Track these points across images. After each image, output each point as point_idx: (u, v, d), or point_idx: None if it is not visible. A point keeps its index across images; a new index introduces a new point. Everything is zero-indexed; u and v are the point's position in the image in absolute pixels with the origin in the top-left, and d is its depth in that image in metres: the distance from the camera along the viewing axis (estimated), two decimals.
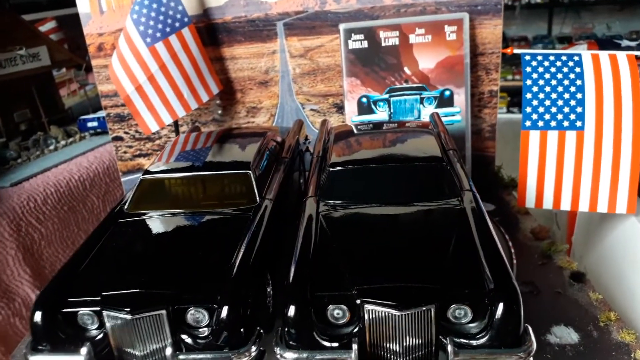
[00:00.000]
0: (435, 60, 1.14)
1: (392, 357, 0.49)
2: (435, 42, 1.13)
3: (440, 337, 0.49)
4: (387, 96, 1.15)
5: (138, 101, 1.07)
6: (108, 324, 0.51)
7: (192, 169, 0.73)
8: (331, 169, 0.69)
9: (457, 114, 1.15)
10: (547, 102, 0.97)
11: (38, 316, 0.52)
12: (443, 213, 0.60)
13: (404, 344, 0.48)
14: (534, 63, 0.98)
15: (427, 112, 1.15)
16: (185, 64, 1.09)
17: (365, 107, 1.16)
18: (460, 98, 1.15)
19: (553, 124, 0.97)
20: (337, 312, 0.49)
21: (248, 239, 0.60)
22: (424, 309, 0.47)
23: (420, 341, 0.48)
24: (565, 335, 0.74)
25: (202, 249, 0.60)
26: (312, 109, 1.22)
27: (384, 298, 0.48)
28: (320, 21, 1.16)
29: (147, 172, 0.74)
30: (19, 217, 1.92)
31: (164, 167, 0.74)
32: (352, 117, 1.16)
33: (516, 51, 1.00)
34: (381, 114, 1.16)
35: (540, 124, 0.98)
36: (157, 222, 0.65)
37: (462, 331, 0.49)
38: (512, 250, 0.83)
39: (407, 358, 0.49)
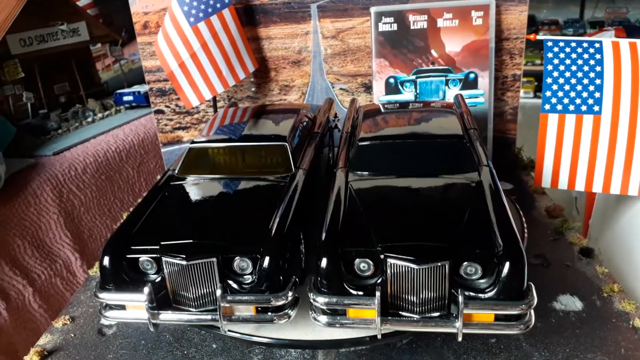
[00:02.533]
0: (461, 44, 1.19)
1: (410, 306, 0.56)
2: (462, 27, 1.18)
3: (453, 290, 0.56)
4: (414, 77, 1.21)
5: (181, 77, 1.15)
6: (166, 270, 0.60)
7: (234, 140, 0.80)
8: (360, 143, 0.76)
9: (480, 96, 1.21)
10: (567, 87, 1.02)
11: (106, 261, 0.61)
12: (461, 184, 0.67)
13: (421, 295, 0.56)
14: (555, 49, 1.03)
15: (451, 93, 1.21)
16: (225, 43, 1.16)
17: (392, 88, 1.22)
18: (484, 81, 1.20)
19: (571, 107, 1.02)
20: (363, 265, 0.57)
21: (285, 202, 0.68)
22: (439, 264, 0.54)
23: (434, 294, 0.55)
24: (570, 303, 0.81)
25: (245, 208, 0.68)
26: (341, 88, 1.29)
27: (404, 254, 0.55)
28: (352, 4, 1.22)
29: (194, 141, 0.81)
30: (61, 184, 2.04)
31: (208, 138, 0.82)
32: (379, 96, 1.23)
33: (539, 37, 1.05)
34: (408, 95, 1.22)
35: (559, 107, 1.03)
36: (204, 185, 0.73)
37: (472, 286, 0.56)
38: (524, 224, 0.89)
39: (423, 307, 0.56)
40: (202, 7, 1.12)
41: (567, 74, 1.02)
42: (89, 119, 2.47)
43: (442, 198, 0.66)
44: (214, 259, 0.59)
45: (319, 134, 0.89)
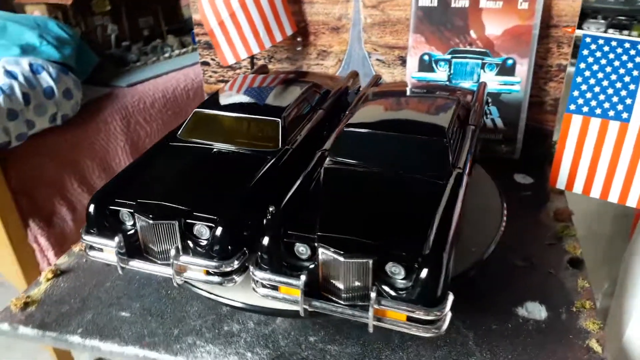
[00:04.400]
0: (502, 27, 1.14)
1: (337, 293, 0.61)
2: (506, 9, 1.13)
3: (377, 283, 0.59)
4: (449, 57, 1.18)
5: (220, 35, 1.21)
6: (138, 224, 0.68)
7: (236, 109, 0.85)
8: (345, 129, 0.79)
9: (516, 84, 1.16)
10: (597, 89, 0.97)
11: (91, 208, 0.70)
12: (422, 185, 0.68)
13: (346, 284, 0.60)
14: (593, 46, 0.97)
15: (486, 77, 1.17)
16: (264, 5, 1.20)
17: (426, 65, 1.20)
18: (523, 69, 1.15)
19: (598, 111, 0.97)
20: (302, 249, 0.62)
21: (257, 176, 0.73)
22: (363, 260, 0.58)
23: (358, 284, 0.59)
24: (535, 311, 0.81)
25: (221, 177, 0.74)
26: (377, 59, 1.29)
27: (334, 246, 0.59)
28: None
29: (200, 106, 0.88)
30: (129, 114, 2.21)
31: (215, 104, 0.88)
32: (412, 72, 1.22)
33: (578, 32, 0.99)
34: (441, 74, 1.20)
35: (585, 109, 0.98)
36: (195, 150, 0.80)
37: (394, 285, 0.59)
38: (504, 215, 0.88)
39: (348, 296, 0.60)
40: None
41: (600, 75, 0.96)
42: (167, 55, 2.61)
43: (396, 196, 0.68)
44: (176, 222, 0.66)
45: (322, 109, 0.92)
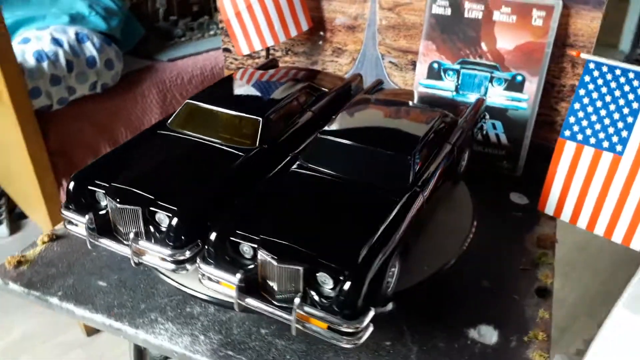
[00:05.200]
0: (514, 42, 1.12)
1: (272, 293, 0.65)
2: (519, 24, 1.10)
3: (308, 289, 0.63)
4: (458, 67, 1.18)
5: (236, 25, 1.25)
6: (109, 205, 0.74)
7: (225, 104, 0.89)
8: (319, 135, 0.81)
9: (523, 102, 1.14)
10: (593, 117, 0.94)
11: (71, 186, 0.76)
12: (375, 200, 0.70)
13: (279, 287, 0.64)
14: (595, 73, 0.94)
15: (494, 92, 1.16)
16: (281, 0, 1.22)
17: (435, 73, 1.20)
18: (532, 86, 1.13)
19: (592, 140, 0.95)
20: (246, 249, 0.66)
21: (228, 170, 0.77)
22: (295, 267, 0.61)
23: (291, 288, 0.63)
24: (487, 335, 0.82)
25: (191, 170, 0.78)
26: (390, 62, 1.29)
27: (269, 250, 0.63)
28: None
29: (193, 97, 0.92)
30: (166, 89, 2.30)
31: (206, 97, 0.92)
32: (420, 79, 1.22)
33: (583, 56, 0.96)
34: (448, 83, 1.19)
35: (579, 137, 0.96)
36: (177, 141, 0.84)
37: (323, 293, 0.62)
38: (470, 235, 0.89)
39: (281, 297, 0.64)
40: None
41: (599, 103, 0.93)
42: (212, 32, 2.67)
43: (346, 208, 0.70)
44: (139, 209, 0.71)
45: (309, 111, 0.95)
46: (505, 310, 0.86)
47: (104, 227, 0.77)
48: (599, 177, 0.95)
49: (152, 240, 0.73)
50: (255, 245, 0.65)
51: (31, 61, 1.86)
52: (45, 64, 1.88)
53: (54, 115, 2.02)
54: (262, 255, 0.64)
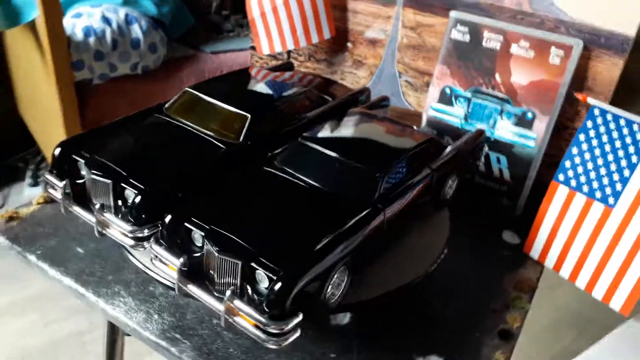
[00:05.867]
0: (529, 78, 1.10)
1: (213, 282, 0.66)
2: (536, 61, 1.08)
3: (245, 284, 0.64)
4: (469, 95, 1.16)
5: (260, 25, 1.28)
6: (86, 175, 0.77)
7: (221, 97, 0.91)
8: (299, 139, 0.83)
9: (531, 140, 1.12)
10: (590, 165, 0.91)
11: (56, 152, 0.80)
12: (335, 209, 0.71)
13: (220, 278, 0.65)
14: (599, 120, 0.91)
15: (502, 125, 1.14)
16: (306, 5, 1.24)
17: (446, 98, 1.19)
18: (541, 125, 1.10)
19: (585, 188, 0.92)
20: (197, 236, 0.67)
21: (202, 159, 0.80)
22: (234, 260, 0.63)
23: (230, 280, 0.64)
24: None
25: (173, 153, 0.81)
26: (407, 81, 1.29)
27: (213, 241, 0.64)
28: (438, 2, 1.18)
29: (193, 86, 0.96)
30: (203, 79, 2.36)
31: (206, 87, 0.95)
32: (432, 102, 1.21)
33: (589, 100, 0.93)
34: (458, 110, 1.18)
35: (573, 183, 0.93)
36: (169, 126, 0.87)
37: (258, 290, 0.63)
38: (441, 257, 0.88)
39: (221, 288, 0.66)
40: None
41: (597, 151, 0.90)
42: None
43: (304, 213, 0.71)
44: (110, 183, 0.75)
45: (306, 119, 0.96)
46: (461, 345, 0.84)
47: (81, 196, 0.81)
48: (587, 228, 0.91)
49: (119, 215, 0.76)
50: (204, 234, 0.67)
51: (79, 35, 1.96)
52: (91, 39, 1.98)
53: (94, 88, 2.11)
54: (207, 244, 0.66)
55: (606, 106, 0.91)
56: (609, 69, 1.05)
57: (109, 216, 0.76)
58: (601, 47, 1.04)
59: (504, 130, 1.14)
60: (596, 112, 0.91)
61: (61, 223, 0.99)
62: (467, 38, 1.14)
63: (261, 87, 1.02)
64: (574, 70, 1.06)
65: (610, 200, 0.89)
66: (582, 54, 1.05)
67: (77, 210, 0.80)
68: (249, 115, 0.88)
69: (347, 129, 0.90)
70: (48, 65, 1.89)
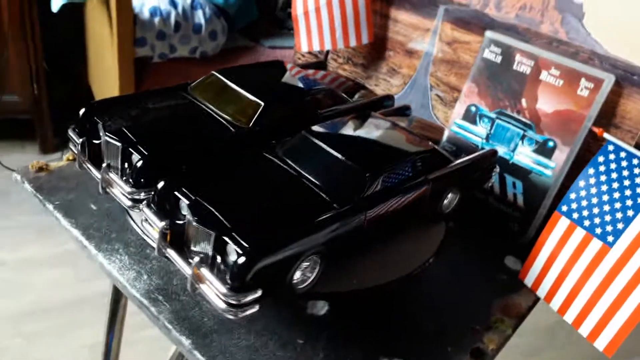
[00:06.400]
0: (555, 106, 1.08)
1: (189, 248, 0.71)
2: (564, 90, 1.06)
3: (216, 254, 0.68)
4: (494, 115, 1.16)
5: (302, 23, 1.32)
6: (101, 137, 0.84)
7: (243, 83, 0.96)
8: (303, 132, 0.86)
9: (549, 169, 1.10)
10: (594, 200, 0.89)
11: (81, 112, 0.88)
12: (319, 201, 0.74)
13: (195, 246, 0.70)
14: (611, 156, 0.89)
15: (522, 150, 1.13)
16: (348, 9, 1.28)
17: (470, 116, 1.19)
18: (561, 156, 1.08)
19: (586, 223, 0.90)
20: (183, 205, 0.72)
21: (207, 136, 0.85)
22: (208, 231, 0.67)
23: (204, 249, 0.68)
24: None
25: (184, 128, 0.86)
26: (437, 95, 1.29)
27: (194, 210, 0.69)
28: (476, 20, 1.18)
29: (220, 70, 1.01)
30: None
31: (231, 73, 1.00)
32: (456, 118, 1.21)
33: (605, 135, 0.91)
34: (481, 130, 1.18)
35: (575, 215, 0.91)
36: (189, 104, 0.93)
37: (226, 261, 0.67)
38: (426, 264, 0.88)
39: (194, 255, 0.70)
40: None
41: (604, 187, 0.88)
42: None
43: (288, 201, 0.74)
44: (120, 146, 0.81)
45: (315, 116, 0.99)
46: (430, 355, 0.85)
47: (97, 155, 0.88)
48: (583, 263, 0.89)
49: (123, 177, 0.82)
50: (188, 203, 0.71)
51: (146, 14, 2.08)
52: (156, 19, 2.09)
53: (153, 66, 2.23)
54: (187, 212, 0.70)
55: (622, 143, 0.89)
56: (639, 109, 1.02)
57: (113, 176, 0.82)
58: (634, 85, 1.01)
59: (523, 155, 1.12)
60: (610, 147, 0.89)
61: (83, 180, 1.07)
62: (499, 59, 1.14)
63: (285, 80, 1.06)
64: (602, 104, 1.03)
65: (609, 238, 0.86)
66: (613, 90, 1.03)
67: (89, 167, 0.87)
68: (262, 103, 0.92)
69: (353, 129, 0.93)
70: (113, 39, 2.02)
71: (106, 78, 2.30)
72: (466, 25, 1.20)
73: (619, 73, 1.02)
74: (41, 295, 2.25)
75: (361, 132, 0.93)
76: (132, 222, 0.88)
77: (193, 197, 0.72)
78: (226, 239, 0.67)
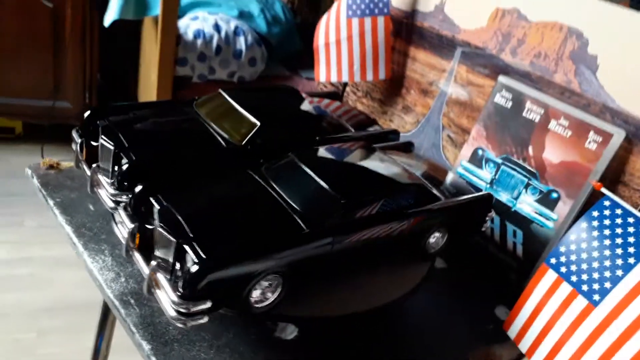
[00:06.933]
0: (561, 157, 1.05)
1: (154, 253, 0.73)
2: (572, 141, 1.03)
3: (177, 260, 0.69)
4: (500, 161, 1.13)
5: (322, 54, 1.35)
6: (99, 138, 0.88)
7: (246, 104, 0.98)
8: (291, 154, 0.87)
9: (551, 221, 1.06)
10: (584, 255, 0.85)
11: (86, 114, 0.92)
12: (289, 222, 0.74)
13: (159, 251, 0.71)
14: (606, 212, 0.86)
15: (525, 199, 1.09)
16: (367, 44, 1.30)
17: (477, 159, 1.17)
18: (564, 208, 1.04)
19: (573, 278, 0.85)
20: (155, 211, 0.74)
21: (200, 152, 0.87)
22: (170, 237, 0.68)
23: (166, 255, 0.70)
24: None
25: (181, 141, 0.90)
26: (448, 135, 1.28)
27: (160, 215, 0.71)
28: (491, 64, 1.17)
29: (228, 88, 1.04)
30: None
31: (237, 93, 1.03)
32: (463, 160, 1.19)
33: (603, 190, 0.88)
34: (486, 174, 1.15)
35: (563, 269, 0.87)
36: (190, 118, 0.96)
37: (184, 269, 0.68)
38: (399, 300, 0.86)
39: (157, 260, 0.72)
40: (362, 6, 1.27)
41: (595, 243, 0.85)
42: None
43: (259, 219, 0.74)
44: (112, 149, 0.85)
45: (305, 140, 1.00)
46: None
47: (95, 157, 0.92)
48: (566, 320, 0.85)
49: (110, 179, 0.85)
50: (159, 209, 0.73)
51: (190, 35, 2.18)
52: (199, 42, 2.19)
53: (192, 85, 2.32)
54: (155, 217, 0.72)
55: (619, 200, 0.85)
56: None
57: (101, 177, 0.85)
58: None
59: (526, 204, 1.09)
60: (606, 203, 0.86)
61: (86, 182, 1.11)
62: (509, 104, 1.12)
63: (290, 105, 1.08)
64: (610, 159, 1.00)
65: (595, 297, 0.82)
66: (624, 146, 0.99)
67: (84, 167, 0.91)
68: (258, 123, 0.94)
69: (345, 158, 0.93)
70: (157, 56, 2.12)
71: (148, 93, 2.41)
72: (481, 69, 1.20)
73: (631, 129, 0.99)
74: (61, 294, 2.32)
75: (351, 162, 0.93)
76: (114, 224, 0.91)
77: (165, 204, 0.74)
78: (186, 247, 0.68)
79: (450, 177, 1.06)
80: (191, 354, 0.80)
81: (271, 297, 0.74)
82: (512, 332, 0.94)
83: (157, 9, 2.12)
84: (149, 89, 2.41)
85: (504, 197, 1.12)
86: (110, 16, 2.11)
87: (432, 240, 0.92)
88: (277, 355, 0.83)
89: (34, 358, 2.02)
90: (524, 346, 0.91)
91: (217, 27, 2.22)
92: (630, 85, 0.99)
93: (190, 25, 2.19)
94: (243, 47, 2.25)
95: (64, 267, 2.43)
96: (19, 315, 2.16)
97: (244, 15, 2.35)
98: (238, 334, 0.85)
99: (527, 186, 1.09)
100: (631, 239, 0.82)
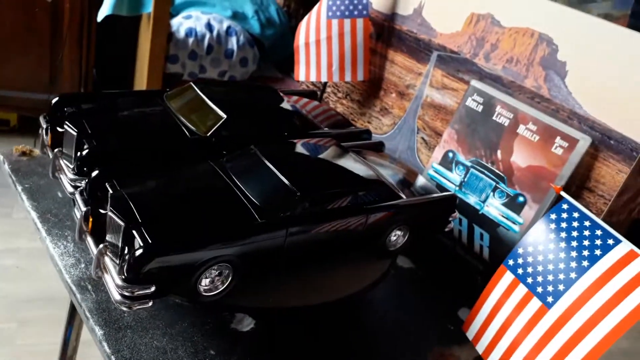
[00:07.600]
0: (529, 161, 1.05)
1: (106, 237, 0.73)
2: (539, 146, 1.04)
3: (125, 245, 0.69)
4: (469, 164, 1.14)
5: (302, 54, 1.36)
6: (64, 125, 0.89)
7: (215, 97, 0.99)
8: (252, 146, 0.88)
9: (517, 225, 1.06)
10: (540, 257, 0.85)
11: (54, 101, 0.93)
12: (243, 214, 0.74)
13: (110, 235, 0.72)
14: (564, 215, 0.86)
15: (493, 203, 1.10)
16: (346, 45, 1.31)
17: (447, 162, 1.17)
18: (530, 212, 1.05)
19: (529, 280, 0.86)
20: (109, 196, 0.75)
21: (165, 142, 0.88)
22: (119, 221, 0.69)
23: (116, 240, 0.70)
24: None
25: (146, 132, 0.90)
26: (422, 138, 1.29)
27: (113, 201, 0.71)
28: (465, 68, 1.18)
29: (199, 80, 1.05)
30: None
31: (208, 85, 1.04)
32: (434, 163, 1.20)
33: (562, 193, 0.88)
34: (455, 176, 1.16)
35: (519, 271, 0.87)
36: (158, 110, 0.97)
37: (131, 252, 0.68)
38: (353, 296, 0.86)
39: (107, 244, 0.72)
40: (342, 8, 1.28)
41: (551, 246, 0.85)
42: None
43: (212, 208, 0.75)
44: (75, 136, 0.85)
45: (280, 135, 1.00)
46: None
47: (60, 142, 0.93)
48: (521, 321, 0.85)
49: (71, 163, 0.86)
50: (112, 193, 0.74)
51: (181, 33, 2.19)
52: (191, 40, 2.20)
53: (182, 83, 2.32)
54: (110, 203, 0.73)
55: (577, 204, 0.85)
56: (613, 175, 0.98)
57: (62, 162, 0.86)
58: (610, 150, 0.98)
59: (493, 207, 1.09)
60: (565, 206, 0.86)
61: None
62: (480, 108, 1.13)
63: (262, 101, 1.09)
64: (576, 165, 1.00)
65: (549, 299, 0.82)
66: (590, 153, 0.99)
67: (48, 152, 0.92)
68: (224, 116, 0.95)
69: (308, 153, 0.94)
70: (145, 56, 2.13)
71: (140, 88, 2.41)
72: (456, 73, 1.20)
73: (597, 136, 0.99)
74: (45, 285, 2.32)
75: (313, 157, 0.93)
76: (74, 210, 0.91)
77: (118, 189, 0.74)
78: (134, 231, 0.68)
79: (419, 179, 1.07)
80: (144, 340, 0.81)
81: (221, 286, 0.75)
82: (471, 333, 0.94)
83: (150, 6, 2.14)
84: (140, 84, 2.42)
85: (472, 200, 1.12)
86: (103, 11, 2.13)
87: (392, 238, 0.93)
88: (230, 346, 0.84)
89: (12, 348, 2.02)
90: (481, 347, 0.91)
91: (209, 27, 2.23)
92: (597, 92, 0.99)
93: (182, 23, 2.21)
94: (235, 47, 2.27)
95: (48, 260, 2.43)
96: (1, 305, 2.16)
97: (237, 16, 2.36)
98: (193, 323, 0.85)
99: (494, 189, 1.09)
100: (586, 242, 0.82)
